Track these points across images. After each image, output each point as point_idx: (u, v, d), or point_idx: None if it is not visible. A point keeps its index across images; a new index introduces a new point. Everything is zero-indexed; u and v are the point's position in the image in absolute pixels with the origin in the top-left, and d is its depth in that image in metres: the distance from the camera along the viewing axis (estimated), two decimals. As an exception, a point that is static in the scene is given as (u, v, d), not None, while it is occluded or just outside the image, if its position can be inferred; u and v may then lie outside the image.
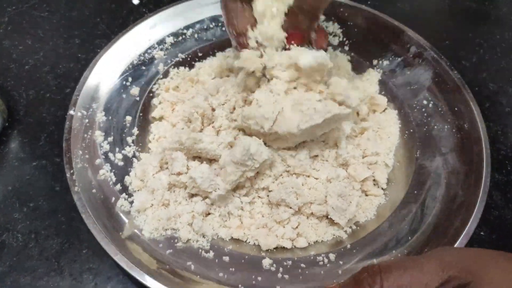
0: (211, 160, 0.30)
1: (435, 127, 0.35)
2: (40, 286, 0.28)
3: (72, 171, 0.29)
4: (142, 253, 0.27)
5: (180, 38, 0.39)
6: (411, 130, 0.35)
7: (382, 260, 0.28)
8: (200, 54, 0.39)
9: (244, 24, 0.30)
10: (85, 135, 0.32)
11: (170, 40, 0.39)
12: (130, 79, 0.36)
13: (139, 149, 0.33)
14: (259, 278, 0.27)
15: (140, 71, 0.37)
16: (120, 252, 0.26)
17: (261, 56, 0.31)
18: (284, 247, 0.29)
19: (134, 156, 0.32)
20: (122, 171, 0.31)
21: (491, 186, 0.33)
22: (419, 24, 0.41)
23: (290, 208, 0.30)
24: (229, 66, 0.36)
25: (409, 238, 0.29)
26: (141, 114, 0.35)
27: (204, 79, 0.36)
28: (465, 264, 0.20)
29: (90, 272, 0.29)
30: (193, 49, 0.39)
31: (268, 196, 0.30)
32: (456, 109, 0.35)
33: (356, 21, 0.41)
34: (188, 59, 0.38)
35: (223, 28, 0.39)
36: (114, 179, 0.31)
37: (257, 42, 0.30)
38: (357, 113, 0.36)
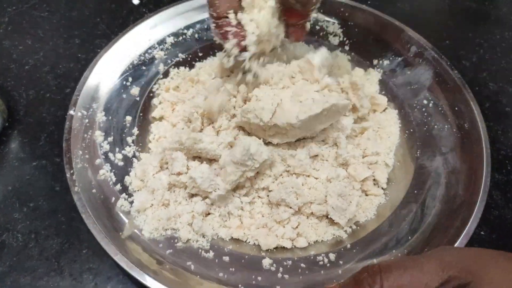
0: (211, 160, 0.30)
1: (435, 126, 0.35)
2: (40, 286, 0.28)
3: (72, 171, 0.29)
4: (142, 253, 0.27)
5: (181, 38, 0.39)
6: (411, 130, 0.35)
7: (382, 260, 0.28)
8: (200, 54, 0.39)
9: (225, 6, 0.29)
10: (85, 135, 0.32)
11: (170, 40, 0.39)
12: (130, 79, 0.36)
13: (139, 149, 0.33)
14: (259, 278, 0.27)
15: (140, 71, 0.37)
16: (120, 252, 0.26)
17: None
18: (284, 247, 0.29)
19: (134, 156, 0.32)
20: (122, 171, 0.31)
21: (491, 186, 0.33)
22: (419, 24, 0.41)
23: (290, 208, 0.30)
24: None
25: (409, 237, 0.29)
26: (141, 114, 0.35)
27: (205, 79, 0.36)
28: (465, 264, 0.20)
29: (90, 272, 0.29)
30: (193, 49, 0.39)
31: (268, 196, 0.30)
32: (456, 108, 0.35)
33: (356, 21, 0.41)
34: (189, 59, 0.38)
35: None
36: (114, 179, 0.31)
37: (239, 23, 0.29)
38: (357, 114, 0.36)
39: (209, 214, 0.30)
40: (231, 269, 0.27)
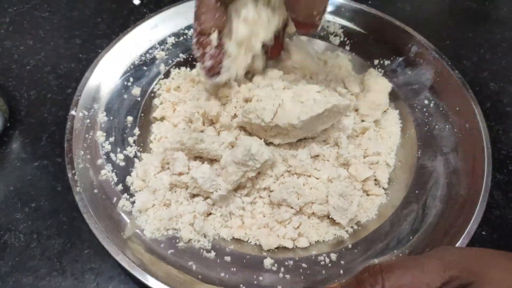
0: (212, 160, 0.30)
1: (436, 126, 0.35)
2: (42, 286, 0.28)
3: (73, 171, 0.29)
4: (144, 253, 0.27)
5: (181, 38, 0.39)
6: (412, 130, 0.35)
7: (384, 260, 0.28)
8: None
9: (210, 24, 0.28)
10: (87, 136, 0.32)
11: (171, 40, 0.39)
12: (131, 79, 0.36)
13: (141, 149, 0.33)
14: (261, 278, 0.27)
15: (141, 71, 0.37)
16: (121, 252, 0.26)
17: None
18: (285, 247, 0.29)
19: (135, 156, 0.32)
20: (123, 171, 0.31)
21: (492, 186, 0.33)
22: (420, 24, 0.41)
23: (291, 208, 0.30)
24: None
25: (410, 237, 0.29)
26: (142, 115, 0.35)
27: (205, 79, 0.36)
28: (467, 264, 0.20)
29: (92, 272, 0.29)
30: None
31: (269, 196, 0.30)
32: (457, 108, 0.35)
33: (357, 21, 0.41)
34: (189, 59, 0.38)
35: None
36: (115, 179, 0.31)
37: (219, 43, 0.29)
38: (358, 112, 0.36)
39: (210, 214, 0.30)
40: (232, 269, 0.27)
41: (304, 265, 0.28)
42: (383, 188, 0.32)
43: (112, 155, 0.32)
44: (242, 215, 0.30)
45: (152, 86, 0.36)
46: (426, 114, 0.36)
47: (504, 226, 0.33)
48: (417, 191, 0.32)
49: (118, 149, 0.32)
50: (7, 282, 0.29)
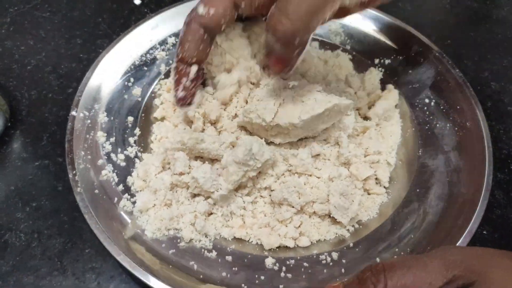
0: (213, 160, 0.30)
1: (437, 125, 0.35)
2: (43, 285, 0.28)
3: (74, 171, 0.29)
4: (145, 253, 0.27)
5: None
6: (413, 129, 0.35)
7: (385, 259, 0.28)
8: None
9: (193, 54, 0.28)
10: (87, 136, 0.32)
11: (171, 40, 0.38)
12: (132, 79, 0.36)
13: (141, 150, 0.33)
14: (262, 278, 0.27)
15: (142, 71, 0.37)
16: (123, 252, 0.26)
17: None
18: (286, 246, 0.29)
19: (136, 156, 0.32)
20: (124, 172, 0.31)
21: (494, 185, 0.33)
22: (420, 23, 0.41)
23: (292, 207, 0.29)
24: None
25: (412, 236, 0.29)
26: (143, 115, 0.34)
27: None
28: (469, 264, 0.20)
29: (93, 272, 0.29)
30: None
31: (270, 195, 0.30)
32: (458, 107, 0.35)
33: (357, 20, 0.40)
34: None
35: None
36: (116, 179, 0.30)
37: (197, 78, 0.29)
38: (359, 112, 0.36)
39: (211, 214, 0.30)
40: (234, 268, 0.27)
41: (305, 264, 0.28)
42: (384, 187, 0.32)
43: (112, 155, 0.32)
44: (243, 215, 0.30)
45: (152, 86, 0.36)
46: (427, 113, 0.36)
47: (506, 226, 0.32)
48: (418, 190, 0.31)
49: (119, 150, 0.32)
50: (8, 281, 0.28)
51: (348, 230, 0.30)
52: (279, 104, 0.29)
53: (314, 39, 0.40)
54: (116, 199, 0.29)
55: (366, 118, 0.36)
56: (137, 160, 0.32)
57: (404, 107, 0.36)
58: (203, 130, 0.32)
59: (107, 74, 0.35)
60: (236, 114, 0.32)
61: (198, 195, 0.30)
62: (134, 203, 0.30)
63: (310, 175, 0.31)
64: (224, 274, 0.27)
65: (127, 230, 0.28)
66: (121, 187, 0.30)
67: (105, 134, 0.32)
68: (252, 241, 0.29)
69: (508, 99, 0.40)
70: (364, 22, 0.40)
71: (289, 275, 0.27)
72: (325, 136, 0.32)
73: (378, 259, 0.28)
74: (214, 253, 0.28)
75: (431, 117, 0.35)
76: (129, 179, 0.31)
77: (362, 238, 0.29)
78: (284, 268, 0.28)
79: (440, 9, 0.49)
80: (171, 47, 0.38)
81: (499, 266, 0.20)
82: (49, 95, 0.38)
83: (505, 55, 0.43)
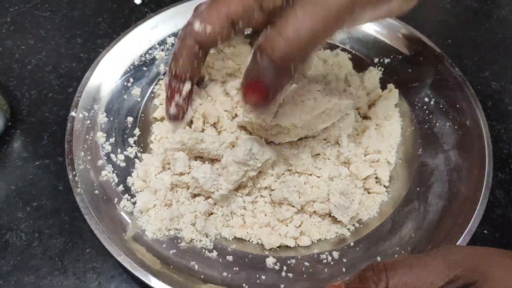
0: (213, 160, 0.30)
1: (437, 124, 0.35)
2: (44, 285, 0.28)
3: (74, 172, 0.29)
4: (146, 254, 0.27)
5: None
6: (413, 128, 0.35)
7: (386, 258, 0.28)
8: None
9: (187, 70, 0.27)
10: (87, 137, 0.31)
11: (171, 40, 0.38)
12: (131, 80, 0.36)
13: (141, 150, 0.32)
14: (263, 277, 0.27)
15: (141, 71, 0.36)
16: (123, 252, 0.25)
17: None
18: (287, 246, 0.29)
19: (136, 156, 0.32)
20: (124, 172, 0.31)
21: (494, 184, 0.32)
22: (421, 23, 0.40)
23: (293, 206, 0.29)
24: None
25: (412, 235, 0.29)
26: (142, 115, 0.34)
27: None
28: (471, 263, 0.20)
29: (93, 271, 0.29)
30: None
31: (270, 195, 0.30)
32: (457, 106, 0.34)
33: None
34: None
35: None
36: (116, 180, 0.30)
37: (189, 96, 0.28)
38: (359, 112, 0.36)
39: (211, 214, 0.29)
40: (234, 268, 0.27)
41: (306, 263, 0.28)
42: (384, 186, 0.32)
43: (112, 155, 0.31)
44: (243, 215, 0.29)
45: (152, 87, 0.36)
46: (427, 111, 0.35)
47: (506, 225, 0.32)
48: (418, 189, 0.31)
49: (119, 150, 0.32)
50: (8, 281, 0.28)
51: (348, 229, 0.30)
52: (279, 103, 0.29)
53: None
54: (116, 199, 0.29)
55: (366, 117, 0.36)
56: (137, 160, 0.32)
57: (404, 106, 0.36)
58: (203, 130, 0.32)
59: (107, 74, 0.35)
60: (236, 114, 0.32)
61: (198, 195, 0.29)
62: (134, 203, 0.29)
63: (310, 175, 0.31)
64: (225, 274, 0.27)
65: (128, 231, 0.28)
66: (121, 187, 0.30)
67: (105, 135, 0.32)
68: (252, 241, 0.29)
69: (508, 98, 0.40)
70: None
71: (290, 275, 0.27)
72: (325, 136, 0.32)
73: (379, 258, 0.28)
74: (215, 253, 0.28)
75: (430, 116, 0.35)
76: (129, 179, 0.30)
77: (363, 237, 0.29)
78: (285, 268, 0.27)
79: (440, 8, 0.48)
80: (170, 47, 0.38)
81: (500, 266, 0.20)
82: (50, 94, 0.38)
83: (505, 55, 0.43)
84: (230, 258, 0.28)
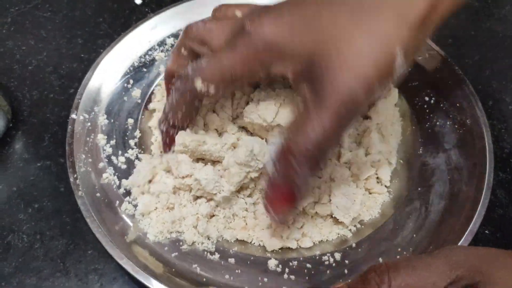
0: (214, 162, 0.29)
1: (437, 123, 0.34)
2: (45, 287, 0.28)
3: (75, 175, 0.28)
4: (148, 257, 0.26)
5: None
6: (413, 127, 0.34)
7: (388, 259, 0.27)
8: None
9: (185, 122, 0.26)
10: (88, 139, 0.31)
11: (170, 41, 0.37)
12: (131, 81, 0.35)
13: (142, 152, 0.32)
14: (265, 279, 0.26)
15: (141, 73, 0.35)
16: (125, 256, 0.25)
17: None
18: (289, 248, 0.28)
19: (137, 158, 0.31)
20: (125, 174, 0.30)
21: (495, 184, 0.32)
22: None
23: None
24: None
25: (414, 235, 0.28)
26: (142, 117, 0.34)
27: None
28: (473, 264, 0.20)
29: (95, 273, 0.28)
30: None
31: None
32: (458, 105, 0.34)
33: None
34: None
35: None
36: (117, 182, 0.30)
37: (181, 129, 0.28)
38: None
39: (213, 216, 0.29)
40: (237, 271, 0.27)
41: (308, 265, 0.27)
42: (385, 186, 0.31)
43: (113, 158, 0.31)
44: (245, 216, 0.29)
45: (152, 88, 0.35)
46: (427, 111, 0.35)
47: (507, 225, 0.32)
48: (419, 189, 0.31)
49: (120, 152, 0.31)
50: (10, 282, 0.28)
51: (350, 230, 0.29)
52: (280, 104, 0.28)
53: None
54: (117, 202, 0.29)
55: (366, 117, 0.35)
56: (137, 162, 0.31)
57: (404, 105, 0.35)
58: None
59: (106, 76, 0.34)
60: (237, 115, 0.31)
61: (200, 197, 0.29)
62: (135, 206, 0.29)
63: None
64: (227, 276, 0.26)
65: (129, 234, 0.27)
66: (122, 190, 0.29)
67: (106, 137, 0.31)
68: (254, 243, 0.28)
69: (509, 98, 0.39)
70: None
71: (292, 277, 0.27)
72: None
73: (381, 259, 0.27)
74: (217, 256, 0.27)
75: (431, 115, 0.34)
76: (126, 182, 0.30)
77: (365, 238, 0.29)
78: (287, 270, 0.27)
79: (440, 7, 0.48)
80: (170, 48, 0.37)
81: (502, 266, 0.20)
82: (51, 95, 0.37)
83: (506, 54, 0.43)
84: (232, 260, 0.27)
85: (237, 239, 0.29)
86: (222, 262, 0.27)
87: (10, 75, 0.38)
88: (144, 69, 0.36)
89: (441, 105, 0.35)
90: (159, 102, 0.35)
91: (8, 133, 0.35)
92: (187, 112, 0.26)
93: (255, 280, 0.26)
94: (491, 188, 0.29)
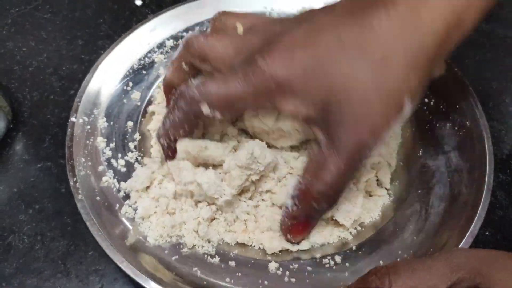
0: (215, 166, 0.29)
1: (437, 125, 0.34)
2: (46, 287, 0.28)
3: (75, 179, 0.28)
4: (148, 260, 0.26)
5: (180, 41, 0.37)
6: (413, 129, 0.34)
7: (389, 261, 0.27)
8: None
9: (186, 135, 0.26)
10: (87, 142, 0.30)
11: (169, 43, 0.37)
12: (130, 84, 0.34)
13: (142, 155, 0.31)
14: (266, 282, 0.26)
15: (140, 75, 0.35)
16: (126, 259, 0.25)
17: None
18: (289, 250, 0.28)
19: (137, 161, 0.31)
20: (125, 177, 0.30)
21: (495, 186, 0.32)
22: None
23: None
24: None
25: (414, 238, 0.28)
26: (142, 119, 0.33)
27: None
28: (473, 266, 0.20)
29: (96, 274, 0.28)
30: None
31: (271, 199, 0.29)
32: (458, 106, 0.33)
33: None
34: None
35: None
36: (117, 185, 0.29)
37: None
38: None
39: (214, 219, 0.29)
40: (237, 274, 0.26)
41: (309, 268, 0.27)
42: (385, 188, 0.31)
43: (113, 161, 0.30)
44: (246, 220, 0.29)
45: (151, 90, 0.35)
46: (427, 112, 0.34)
47: (508, 227, 0.31)
48: (419, 191, 0.30)
49: (119, 155, 0.31)
50: (11, 283, 0.27)
51: (351, 233, 0.29)
52: None
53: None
54: (117, 205, 0.28)
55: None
56: (137, 165, 0.31)
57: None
58: (203, 135, 0.31)
59: (106, 79, 0.34)
60: (237, 118, 0.31)
61: (202, 201, 0.28)
62: (135, 209, 0.28)
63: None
64: (227, 279, 0.26)
65: (129, 237, 0.27)
66: (122, 193, 0.29)
67: (105, 140, 0.31)
68: (254, 246, 0.28)
69: (509, 99, 0.39)
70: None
71: (293, 280, 0.26)
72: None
73: (381, 262, 0.27)
74: (217, 259, 0.27)
75: (430, 117, 0.34)
76: (125, 185, 0.29)
77: (365, 240, 0.28)
78: (287, 273, 0.26)
79: (440, 8, 0.48)
80: (169, 50, 0.37)
81: (503, 268, 0.20)
82: (51, 96, 0.37)
83: (506, 55, 0.42)
84: (232, 263, 0.27)
85: (237, 242, 0.28)
86: (223, 265, 0.27)
87: (11, 76, 0.38)
88: (144, 72, 0.36)
89: (441, 106, 0.35)
90: (159, 104, 0.34)
91: (9, 134, 0.34)
92: (189, 129, 0.26)
93: (255, 283, 0.26)
94: (491, 190, 0.29)
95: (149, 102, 0.35)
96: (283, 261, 0.27)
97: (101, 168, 0.30)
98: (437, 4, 0.22)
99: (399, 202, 0.31)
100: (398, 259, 0.27)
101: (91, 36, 0.41)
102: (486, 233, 0.31)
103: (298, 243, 0.28)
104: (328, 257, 0.28)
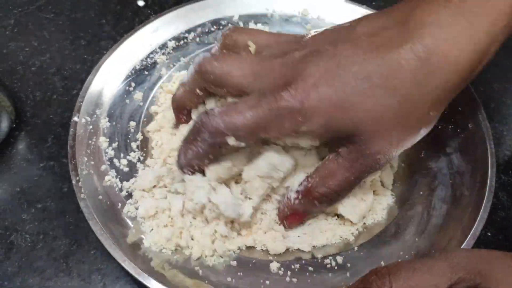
0: (228, 179, 0.28)
1: (439, 127, 0.34)
2: (48, 286, 0.27)
3: (77, 178, 0.28)
4: (150, 259, 0.26)
5: (182, 42, 0.37)
6: (415, 131, 0.35)
7: (390, 262, 0.27)
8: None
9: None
10: (90, 142, 0.31)
11: (172, 44, 0.37)
12: (133, 84, 0.35)
13: (144, 154, 0.32)
14: (267, 282, 0.26)
15: (142, 76, 0.35)
16: (127, 258, 0.25)
17: None
18: (291, 250, 0.28)
19: (139, 161, 0.31)
20: (127, 177, 0.30)
21: (497, 187, 0.32)
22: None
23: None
24: None
25: (416, 239, 0.28)
26: (144, 119, 0.33)
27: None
28: (474, 266, 0.20)
29: (98, 273, 0.28)
30: (194, 53, 0.37)
31: (276, 199, 0.29)
32: (459, 108, 0.33)
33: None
34: (190, 63, 0.37)
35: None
36: (120, 185, 0.29)
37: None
38: None
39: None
40: (239, 273, 0.26)
41: (310, 268, 0.27)
42: (388, 189, 0.31)
43: (115, 160, 0.31)
44: (251, 223, 0.28)
45: (154, 91, 0.35)
46: (429, 114, 0.35)
47: (509, 228, 0.31)
48: (421, 193, 0.30)
49: (122, 155, 0.31)
50: (14, 282, 0.28)
51: (352, 233, 0.29)
52: None
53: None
54: (120, 205, 0.28)
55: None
56: (139, 165, 0.31)
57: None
58: None
59: (108, 79, 0.34)
60: None
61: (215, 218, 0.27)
62: (137, 208, 0.28)
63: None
64: (229, 279, 0.26)
65: (130, 235, 0.27)
66: (124, 192, 0.29)
67: (108, 140, 0.31)
68: (257, 247, 0.28)
69: (511, 100, 0.39)
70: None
71: (294, 280, 0.26)
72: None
73: (383, 263, 0.27)
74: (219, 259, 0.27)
75: (432, 119, 0.35)
76: (127, 184, 0.30)
77: (367, 241, 0.28)
78: (289, 273, 0.27)
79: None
80: (171, 51, 0.37)
81: (503, 268, 0.20)
82: (54, 96, 0.37)
83: (507, 56, 0.42)
84: (234, 263, 0.27)
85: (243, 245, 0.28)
86: (224, 265, 0.27)
87: (14, 76, 0.38)
88: (146, 72, 0.36)
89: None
90: (161, 104, 0.34)
91: (12, 133, 0.34)
92: (214, 158, 0.26)
93: (257, 283, 0.26)
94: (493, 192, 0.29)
95: (151, 103, 0.35)
96: (284, 261, 0.27)
97: (103, 167, 0.30)
98: (462, 40, 0.22)
99: (401, 203, 0.31)
100: (400, 260, 0.27)
101: (93, 37, 0.42)
102: (488, 234, 0.31)
103: (298, 240, 0.29)
104: (330, 258, 0.28)
